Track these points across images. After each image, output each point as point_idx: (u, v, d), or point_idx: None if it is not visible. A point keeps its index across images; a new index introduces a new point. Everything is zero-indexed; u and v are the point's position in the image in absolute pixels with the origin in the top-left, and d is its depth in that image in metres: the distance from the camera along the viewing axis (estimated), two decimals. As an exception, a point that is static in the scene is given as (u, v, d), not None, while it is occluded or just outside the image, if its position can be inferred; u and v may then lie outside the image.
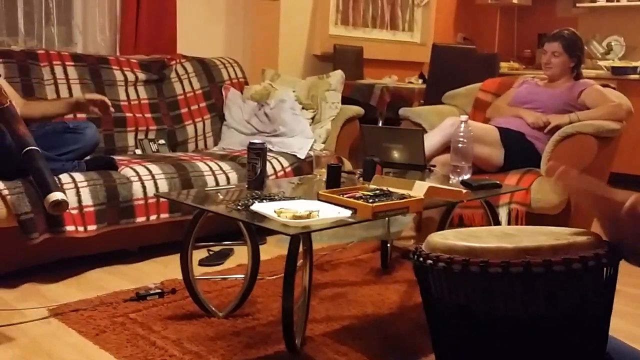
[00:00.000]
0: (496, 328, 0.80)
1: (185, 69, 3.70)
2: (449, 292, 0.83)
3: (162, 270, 2.73)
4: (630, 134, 3.99)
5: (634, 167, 4.81)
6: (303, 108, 3.66)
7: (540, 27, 5.88)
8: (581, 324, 0.80)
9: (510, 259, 0.77)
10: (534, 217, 2.89)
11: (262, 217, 1.81)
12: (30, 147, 2.35)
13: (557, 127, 3.02)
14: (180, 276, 2.25)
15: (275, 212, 1.80)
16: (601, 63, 5.34)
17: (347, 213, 1.85)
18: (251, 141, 2.20)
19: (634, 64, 5.09)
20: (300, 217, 1.77)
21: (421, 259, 0.86)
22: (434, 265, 0.83)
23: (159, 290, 2.42)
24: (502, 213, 2.90)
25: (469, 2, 6.12)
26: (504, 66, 5.69)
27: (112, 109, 2.75)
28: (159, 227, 2.85)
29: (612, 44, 5.52)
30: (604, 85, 3.32)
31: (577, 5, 5.74)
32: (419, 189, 2.12)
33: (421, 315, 2.33)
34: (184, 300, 2.35)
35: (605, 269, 0.81)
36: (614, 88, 3.39)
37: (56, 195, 2.23)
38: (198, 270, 2.72)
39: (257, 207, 1.86)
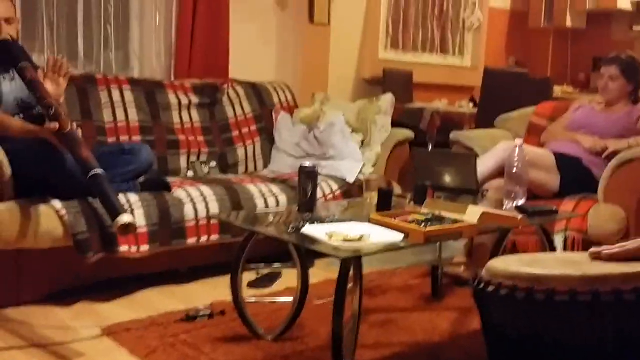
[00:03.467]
0: (563, 358, 0.76)
1: (237, 92, 3.75)
2: (512, 320, 0.80)
3: (212, 291, 2.74)
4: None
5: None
6: (353, 131, 3.65)
7: (595, 51, 5.76)
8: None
9: (577, 287, 0.74)
10: (591, 245, 2.79)
11: (313, 240, 1.81)
12: (96, 172, 2.38)
13: (615, 153, 2.94)
14: (229, 298, 2.26)
15: (326, 235, 1.79)
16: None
17: (399, 237, 1.82)
18: (302, 164, 2.21)
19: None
20: (351, 241, 1.76)
21: (482, 285, 0.83)
22: (495, 292, 0.80)
23: (209, 312, 2.43)
24: (558, 240, 2.82)
25: (521, 25, 6.05)
26: (557, 90, 5.59)
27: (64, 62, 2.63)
28: (209, 249, 2.87)
29: (671, 67, 5.35)
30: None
31: (634, 28, 5.61)
32: (472, 214, 2.08)
33: (473, 344, 2.28)
34: (233, 322, 2.35)
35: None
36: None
37: (125, 218, 2.25)
38: (247, 292, 2.72)
39: (308, 229, 1.85)
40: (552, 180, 2.98)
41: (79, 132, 2.44)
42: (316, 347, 2.19)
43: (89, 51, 3.55)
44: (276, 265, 3.05)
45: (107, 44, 3.60)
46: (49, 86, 2.55)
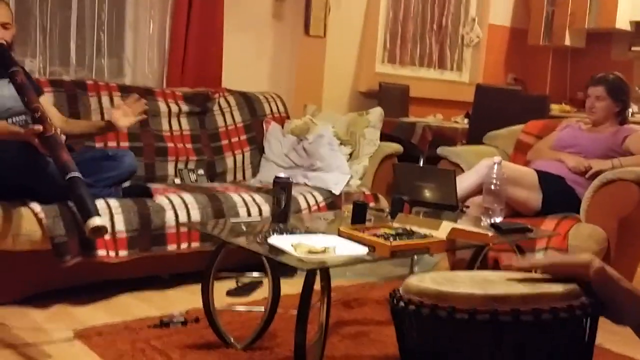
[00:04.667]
0: (463, 377, 0.77)
1: (228, 102, 3.78)
2: (419, 336, 0.81)
3: (190, 298, 2.75)
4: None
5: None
6: (341, 144, 3.67)
7: (594, 70, 5.70)
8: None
9: (478, 306, 0.75)
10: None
11: (279, 251, 1.82)
12: (73, 174, 2.42)
13: (599, 173, 2.94)
14: (205, 305, 2.27)
15: (292, 246, 1.81)
16: (656, 108, 5.19)
17: (364, 250, 1.83)
18: (277, 175, 2.22)
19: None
20: (315, 252, 1.77)
21: (395, 301, 0.85)
22: (405, 308, 0.82)
23: (183, 319, 2.44)
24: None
25: (520, 43, 6.06)
26: (555, 108, 5.59)
27: (144, 103, 2.80)
28: (190, 256, 2.89)
29: (668, 89, 5.36)
30: (651, 132, 3.22)
31: (633, 49, 5.61)
32: (444, 229, 2.09)
33: None
34: (206, 330, 2.36)
35: (581, 321, 0.77)
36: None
37: (96, 221, 2.28)
38: (225, 301, 2.74)
39: (274, 240, 1.87)
40: (534, 198, 2.98)
41: (62, 138, 2.48)
42: (284, 358, 2.20)
43: (81, 57, 3.60)
44: (255, 274, 3.06)
45: (99, 51, 3.64)
46: (118, 115, 2.69)
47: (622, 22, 5.55)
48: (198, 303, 2.60)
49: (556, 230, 2.79)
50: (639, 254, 3.10)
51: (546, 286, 0.79)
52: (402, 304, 0.82)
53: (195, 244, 2.85)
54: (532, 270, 0.82)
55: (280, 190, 2.18)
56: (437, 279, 0.86)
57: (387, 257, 1.85)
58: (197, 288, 2.85)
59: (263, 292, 2.90)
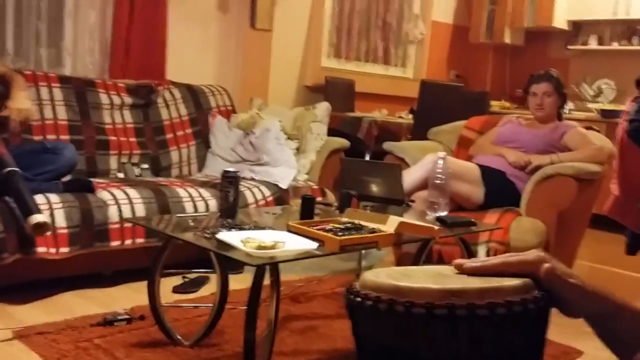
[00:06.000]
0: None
1: (172, 94, 3.71)
2: (375, 332, 0.81)
3: (134, 295, 2.70)
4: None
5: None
6: (288, 138, 3.66)
7: (533, 68, 5.87)
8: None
9: (435, 300, 0.76)
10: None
11: (228, 246, 1.80)
12: (10, 169, 2.34)
13: (538, 167, 3.03)
14: (150, 302, 2.23)
15: (241, 241, 1.79)
16: (591, 105, 5.38)
17: (313, 245, 1.83)
18: (225, 169, 2.20)
19: (623, 107, 5.12)
20: (265, 248, 1.76)
21: (351, 296, 0.85)
22: (362, 303, 0.82)
23: (127, 316, 2.39)
24: (481, 251, 2.88)
25: (462, 40, 6.18)
26: (495, 105, 5.73)
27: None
28: (135, 252, 2.83)
29: (603, 87, 5.57)
30: (587, 128, 3.34)
31: (569, 47, 5.80)
32: (391, 224, 2.11)
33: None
34: (152, 328, 2.32)
35: (534, 315, 0.79)
36: (597, 131, 3.41)
37: (38, 218, 2.21)
38: (172, 297, 2.70)
39: (223, 235, 1.85)
40: (476, 192, 3.05)
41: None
42: (233, 354, 2.18)
43: (18, 47, 3.45)
44: (201, 270, 3.02)
45: (38, 40, 3.51)
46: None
47: (559, 21, 5.73)
48: (142, 300, 2.55)
49: (498, 224, 2.86)
50: (576, 246, 3.22)
51: (501, 280, 0.81)
52: (358, 299, 0.82)
53: (140, 240, 2.80)
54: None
55: (228, 184, 2.16)
56: (392, 274, 0.86)
57: (336, 251, 1.86)
58: (140, 285, 2.80)
59: (210, 288, 2.87)
